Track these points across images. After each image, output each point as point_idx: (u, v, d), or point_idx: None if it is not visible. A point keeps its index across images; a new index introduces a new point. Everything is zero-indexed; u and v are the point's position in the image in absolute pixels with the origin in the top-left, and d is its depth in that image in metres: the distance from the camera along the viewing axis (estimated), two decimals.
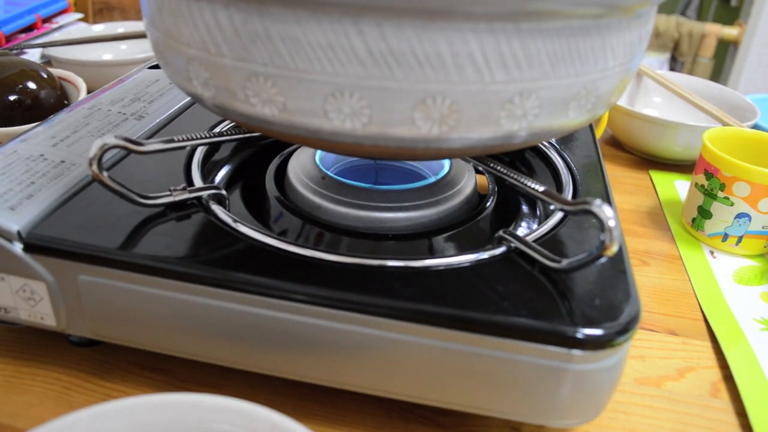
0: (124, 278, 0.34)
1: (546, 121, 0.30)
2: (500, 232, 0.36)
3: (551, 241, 0.37)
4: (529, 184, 0.35)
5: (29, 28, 0.97)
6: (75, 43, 0.81)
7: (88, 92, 0.68)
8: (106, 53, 0.87)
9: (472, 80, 0.27)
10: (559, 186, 0.45)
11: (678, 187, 0.67)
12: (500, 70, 0.27)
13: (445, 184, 0.43)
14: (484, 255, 0.35)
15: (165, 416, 0.28)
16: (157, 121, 0.48)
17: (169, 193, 0.38)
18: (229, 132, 0.43)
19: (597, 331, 0.31)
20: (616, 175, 0.70)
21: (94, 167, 0.35)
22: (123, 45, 0.88)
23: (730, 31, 1.74)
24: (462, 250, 0.36)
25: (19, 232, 0.35)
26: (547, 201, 0.34)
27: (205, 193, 0.39)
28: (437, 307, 0.31)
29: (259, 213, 0.43)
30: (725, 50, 1.82)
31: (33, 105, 0.65)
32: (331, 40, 0.26)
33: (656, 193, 0.66)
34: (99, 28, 0.90)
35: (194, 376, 0.40)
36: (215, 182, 0.44)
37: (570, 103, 0.30)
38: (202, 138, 0.40)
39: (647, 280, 0.52)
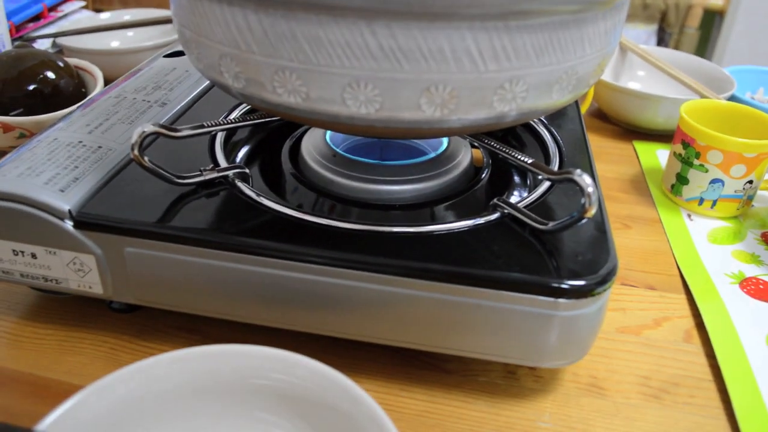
0: (166, 249, 0.39)
1: (533, 102, 0.35)
2: (494, 200, 0.41)
3: (540, 207, 0.42)
4: (518, 157, 0.40)
5: (36, 17, 1.00)
6: (85, 32, 0.84)
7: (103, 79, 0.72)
8: (113, 40, 0.91)
9: (468, 70, 0.32)
10: (547, 158, 0.50)
11: (659, 156, 0.72)
12: (492, 61, 0.32)
13: (444, 159, 0.48)
14: (481, 220, 0.40)
15: (221, 364, 0.32)
16: (179, 106, 0.52)
17: (199, 173, 0.42)
18: (248, 116, 0.47)
19: (579, 282, 0.36)
20: (602, 145, 0.75)
21: (136, 152, 0.39)
22: (129, 32, 0.92)
23: (716, 1, 1.78)
24: (461, 217, 0.41)
25: (69, 211, 0.40)
26: (535, 172, 0.39)
27: (231, 172, 0.43)
28: (441, 265, 0.36)
29: (277, 188, 0.47)
30: (712, 20, 1.86)
31: (53, 93, 0.69)
32: (348, 39, 0.31)
33: (639, 161, 0.71)
34: (105, 16, 0.93)
35: (226, 334, 0.45)
36: (237, 162, 0.48)
37: (553, 86, 0.35)
38: (227, 123, 0.44)
39: (629, 241, 0.57)
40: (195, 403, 0.32)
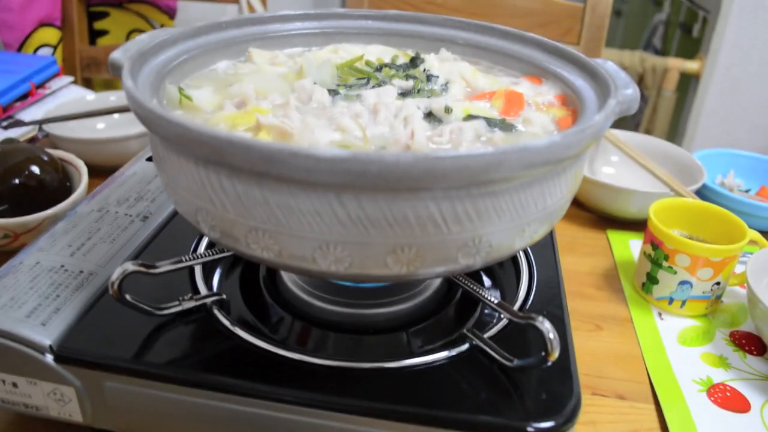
0: (143, 384, 0.40)
1: (497, 252, 0.37)
2: (464, 330, 0.43)
3: (509, 334, 0.43)
4: (485, 297, 0.42)
5: (24, 96, 1.02)
6: (71, 118, 0.86)
7: (87, 165, 0.73)
8: (99, 122, 0.93)
9: (432, 234, 0.33)
10: (518, 273, 0.51)
11: (632, 247, 0.74)
12: (455, 224, 0.33)
13: (416, 280, 0.49)
14: (453, 353, 0.41)
15: None
16: (160, 220, 0.54)
17: (178, 303, 0.44)
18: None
19: (545, 424, 0.37)
20: (576, 235, 0.77)
21: (116, 288, 0.40)
22: (115, 114, 0.94)
23: (691, 65, 1.83)
24: (434, 340, 0.42)
25: (51, 346, 0.41)
26: (500, 312, 0.41)
27: (208, 300, 0.45)
28: (408, 407, 0.38)
29: (255, 309, 0.48)
30: (688, 83, 1.91)
31: (38, 188, 0.70)
32: (318, 208, 0.32)
33: (612, 254, 0.73)
34: (91, 98, 0.95)
35: None
36: (215, 284, 0.49)
37: (515, 238, 0.37)
38: (204, 257, 0.45)
39: (600, 345, 0.59)
40: None
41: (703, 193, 0.80)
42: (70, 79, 1.11)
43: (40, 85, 1.06)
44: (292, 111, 0.42)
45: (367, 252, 0.34)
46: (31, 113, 0.99)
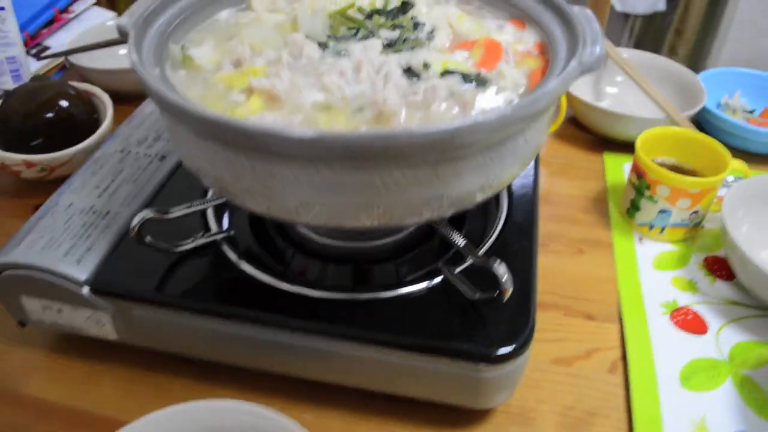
0: (163, 312, 0.48)
1: (459, 205, 0.42)
2: (439, 264, 0.49)
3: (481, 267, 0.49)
4: (454, 238, 0.47)
5: (50, 22, 1.06)
6: (96, 48, 0.90)
7: (113, 92, 0.79)
8: (123, 48, 0.97)
9: (397, 195, 0.38)
10: (498, 207, 0.56)
11: (626, 171, 0.78)
12: (418, 187, 0.38)
13: None
14: (432, 283, 0.48)
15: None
16: (177, 159, 0.60)
17: (192, 240, 0.50)
18: None
19: (501, 350, 0.43)
20: (574, 158, 0.80)
21: (136, 233, 0.47)
22: None
23: None
24: (417, 269, 0.49)
25: (86, 281, 0.48)
26: (464, 254, 0.46)
27: (218, 236, 0.51)
28: (386, 335, 0.44)
29: (262, 243, 0.54)
30: None
31: (68, 121, 0.76)
32: (297, 175, 0.37)
33: (605, 177, 0.77)
34: (113, 23, 0.99)
35: (218, 371, 0.53)
36: (225, 221, 0.56)
37: (476, 194, 0.42)
38: (213, 200, 0.52)
39: (580, 268, 0.64)
40: None
41: (702, 115, 0.82)
42: (93, 0, 1.14)
43: (64, 10, 1.10)
44: (284, 69, 0.46)
45: (342, 209, 0.39)
46: (57, 39, 1.04)
